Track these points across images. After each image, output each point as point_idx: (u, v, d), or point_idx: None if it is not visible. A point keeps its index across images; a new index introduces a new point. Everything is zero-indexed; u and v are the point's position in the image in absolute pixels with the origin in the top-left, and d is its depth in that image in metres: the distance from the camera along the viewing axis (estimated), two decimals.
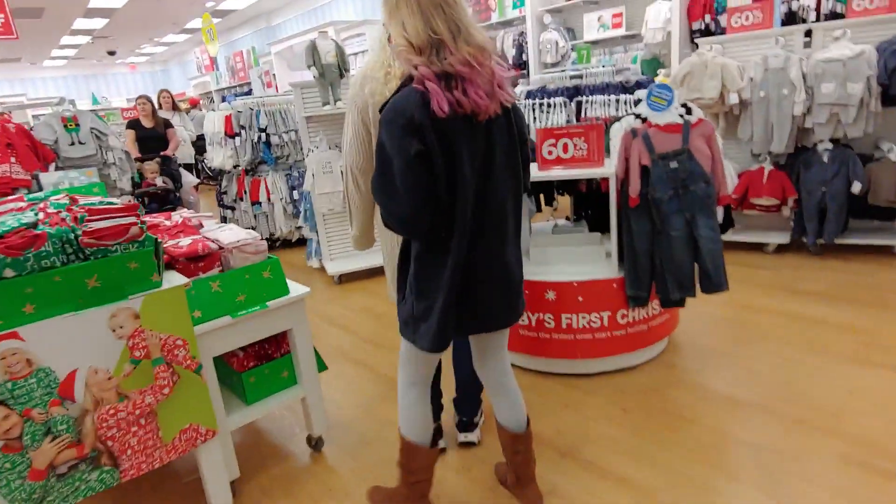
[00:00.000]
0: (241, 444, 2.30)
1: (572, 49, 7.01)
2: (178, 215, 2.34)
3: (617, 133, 2.52)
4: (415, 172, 1.25)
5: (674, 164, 2.25)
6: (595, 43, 6.66)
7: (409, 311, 1.45)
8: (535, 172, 2.48)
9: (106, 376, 1.49)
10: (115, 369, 1.51)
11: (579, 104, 3.35)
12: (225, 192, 5.66)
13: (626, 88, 3.76)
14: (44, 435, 1.44)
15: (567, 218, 3.33)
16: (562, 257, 2.59)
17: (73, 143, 3.80)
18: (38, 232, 1.41)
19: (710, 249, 2.27)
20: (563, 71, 4.64)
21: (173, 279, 1.66)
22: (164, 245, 1.81)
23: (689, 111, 2.30)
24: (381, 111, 1.32)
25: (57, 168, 3.71)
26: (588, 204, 3.26)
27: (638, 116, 2.39)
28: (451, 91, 1.24)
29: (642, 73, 4.96)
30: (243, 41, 13.36)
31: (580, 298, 2.43)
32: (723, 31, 5.37)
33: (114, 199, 1.77)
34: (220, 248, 1.90)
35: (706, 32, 5.59)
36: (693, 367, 2.56)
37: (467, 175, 1.30)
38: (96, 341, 1.47)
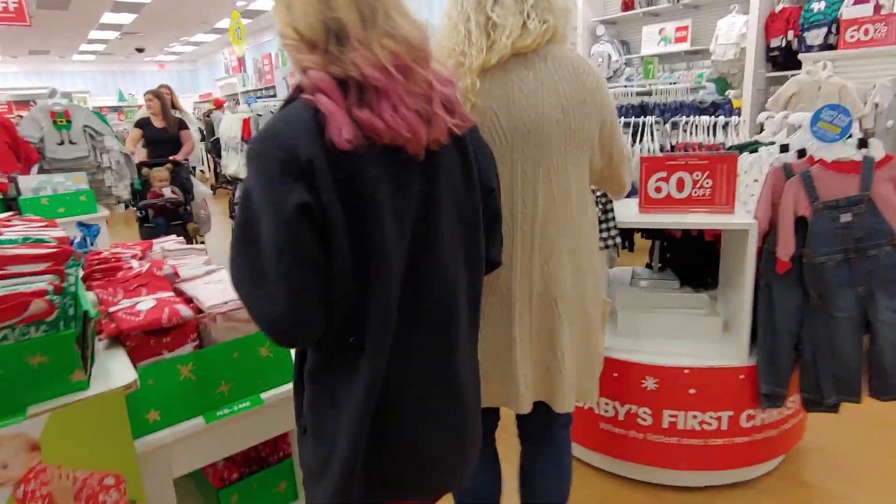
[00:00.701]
0: None
1: (626, 64, 6.42)
2: (161, 247, 1.76)
3: (750, 168, 1.88)
4: (294, 240, 0.74)
5: (846, 218, 1.59)
6: (654, 58, 6.04)
7: (309, 455, 0.91)
8: (636, 217, 1.84)
9: None
10: None
11: (675, 125, 2.70)
12: (237, 203, 5.11)
13: (700, 109, 3.17)
14: None
15: (647, 265, 2.68)
16: (662, 327, 1.94)
17: (62, 143, 3.27)
18: None
19: (891, 340, 1.61)
20: (625, 86, 4.04)
21: (111, 375, 1.05)
22: (115, 309, 1.21)
23: (864, 143, 1.65)
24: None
25: (41, 171, 3.18)
26: (675, 248, 2.61)
27: (785, 148, 1.75)
28: (361, 108, 0.74)
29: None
30: (272, 43, 13.02)
31: (692, 391, 1.77)
32: (808, 50, 4.73)
33: (48, 236, 1.19)
34: (199, 312, 1.29)
35: (787, 51, 4.94)
36: (835, 488, 1.88)
37: (390, 244, 0.78)
38: None
